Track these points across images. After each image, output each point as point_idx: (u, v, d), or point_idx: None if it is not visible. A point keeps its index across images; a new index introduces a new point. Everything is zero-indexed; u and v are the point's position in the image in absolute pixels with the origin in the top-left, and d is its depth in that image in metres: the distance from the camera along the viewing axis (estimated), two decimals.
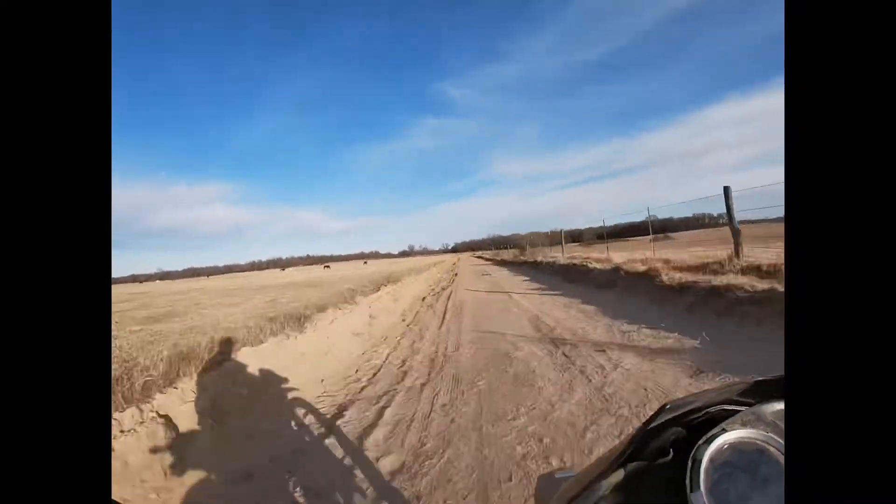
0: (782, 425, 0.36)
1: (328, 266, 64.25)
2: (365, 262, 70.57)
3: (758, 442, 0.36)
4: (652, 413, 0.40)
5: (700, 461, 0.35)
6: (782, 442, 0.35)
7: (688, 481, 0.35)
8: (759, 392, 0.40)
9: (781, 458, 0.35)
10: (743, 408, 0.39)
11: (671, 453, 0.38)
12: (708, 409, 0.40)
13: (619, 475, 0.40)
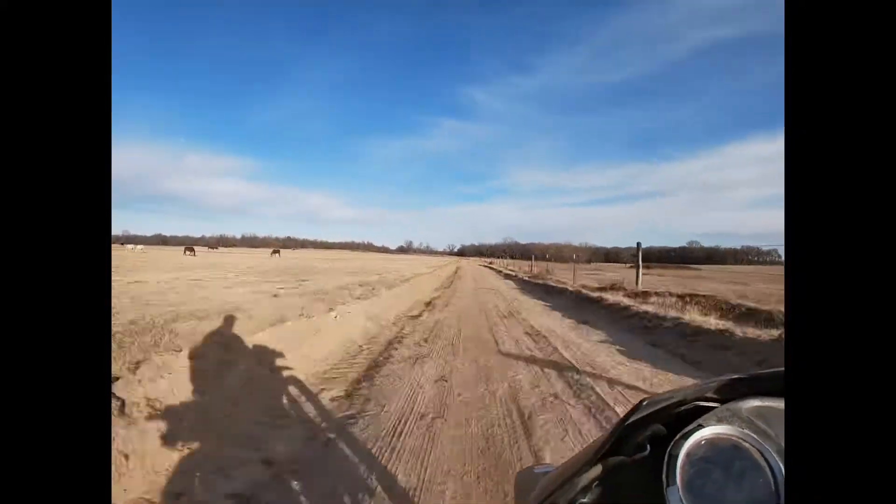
0: (758, 421, 0.37)
1: (277, 252, 49.89)
2: (276, 253, 49.31)
3: (733, 438, 0.37)
4: (630, 409, 0.41)
5: (676, 456, 0.36)
6: (757, 438, 0.36)
7: (664, 476, 0.36)
8: (734, 389, 0.41)
9: (756, 454, 0.36)
10: (719, 404, 0.39)
11: (648, 448, 0.38)
12: (685, 406, 0.41)
13: (597, 470, 0.40)
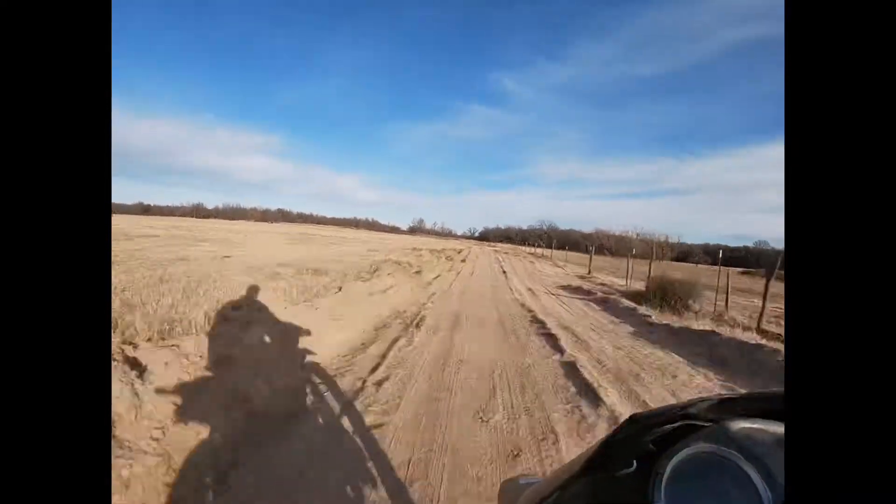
0: (746, 443, 0.37)
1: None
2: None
3: (720, 457, 0.36)
4: (617, 425, 0.41)
5: (663, 474, 0.36)
6: (745, 459, 0.36)
7: (650, 493, 0.35)
8: (723, 408, 0.40)
9: (742, 475, 0.35)
10: (708, 423, 0.39)
11: (635, 465, 0.38)
12: (673, 423, 0.40)
13: (582, 484, 0.40)
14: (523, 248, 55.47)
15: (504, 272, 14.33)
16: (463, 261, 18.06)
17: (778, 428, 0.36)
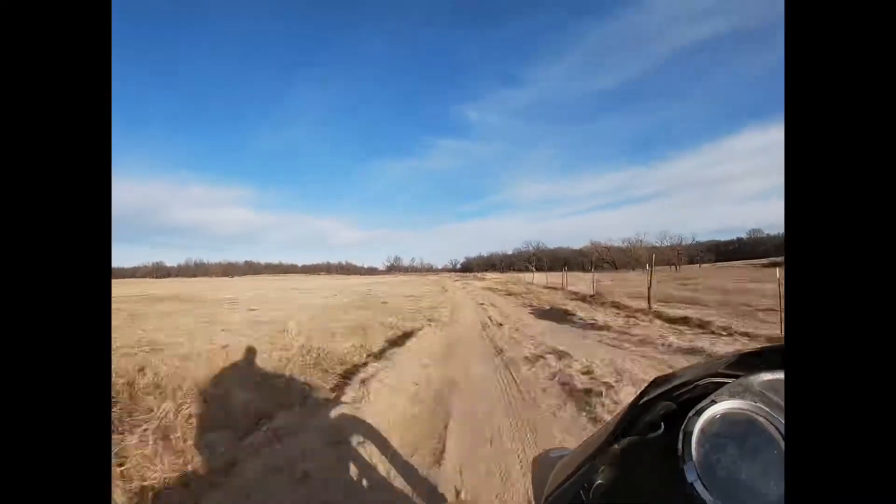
0: (770, 395, 0.37)
1: None
2: None
3: (746, 412, 0.37)
4: (642, 389, 0.41)
5: (691, 433, 0.36)
6: (770, 411, 0.36)
7: (680, 453, 0.36)
8: (744, 364, 0.41)
9: (770, 428, 0.36)
10: (730, 380, 0.39)
11: (662, 427, 0.38)
12: (696, 383, 0.41)
13: (613, 450, 0.41)
14: (505, 276, 46.87)
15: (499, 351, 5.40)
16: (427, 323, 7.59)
17: None
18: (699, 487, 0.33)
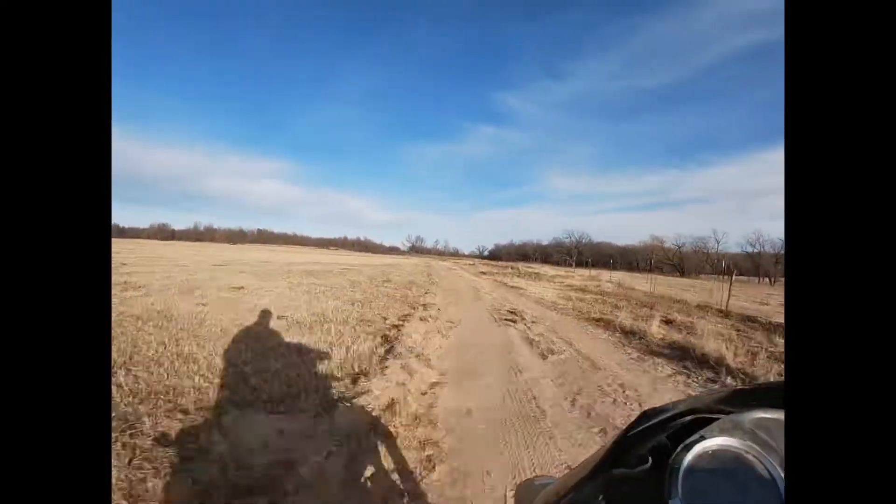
0: (760, 433, 0.37)
1: None
2: None
3: (736, 449, 0.36)
4: (632, 421, 0.40)
5: (679, 469, 0.36)
6: (760, 450, 0.36)
7: (666, 489, 0.35)
8: (736, 400, 0.40)
9: (759, 466, 0.35)
10: (721, 416, 0.39)
11: (650, 461, 0.38)
12: (686, 417, 0.40)
13: (598, 482, 0.40)
14: (547, 269, 35.56)
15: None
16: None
17: None
18: None
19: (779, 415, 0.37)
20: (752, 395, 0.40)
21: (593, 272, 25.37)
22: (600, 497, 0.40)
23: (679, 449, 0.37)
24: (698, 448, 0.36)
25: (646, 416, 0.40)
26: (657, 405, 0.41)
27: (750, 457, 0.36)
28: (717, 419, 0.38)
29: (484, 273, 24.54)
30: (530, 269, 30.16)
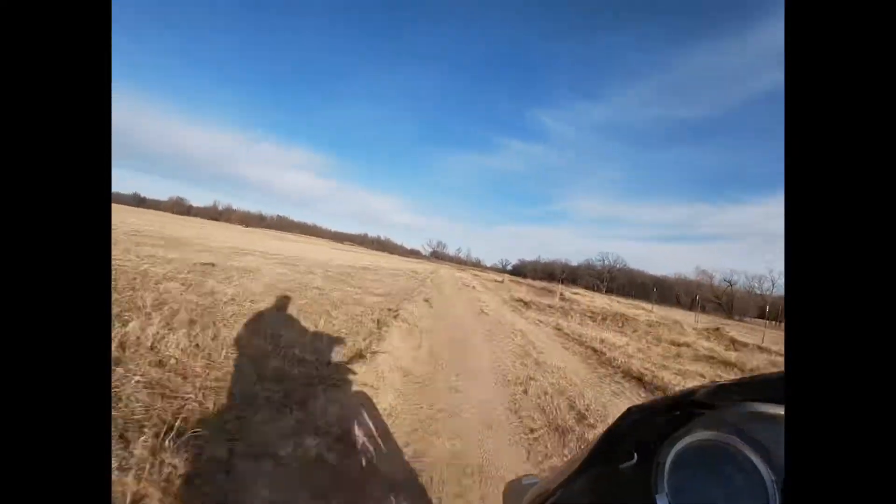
0: (745, 427, 0.37)
1: None
2: None
3: (721, 444, 0.36)
4: (617, 417, 0.40)
5: (664, 464, 0.36)
6: (745, 444, 0.36)
7: (652, 484, 0.35)
8: (721, 395, 0.40)
9: (744, 460, 0.35)
10: (705, 411, 0.39)
11: (636, 457, 0.38)
12: (671, 412, 0.40)
13: (584, 479, 0.40)
14: (582, 292, 27.15)
15: None
16: None
17: (776, 410, 0.36)
18: None
19: (764, 408, 0.37)
20: (737, 390, 0.40)
21: (645, 305, 21.24)
22: (588, 493, 0.40)
23: (664, 444, 0.37)
24: (683, 443, 0.37)
25: (630, 412, 0.40)
26: (642, 402, 0.41)
27: (735, 450, 0.36)
28: (702, 414, 0.39)
29: (527, 304, 12.57)
30: (585, 301, 17.41)
